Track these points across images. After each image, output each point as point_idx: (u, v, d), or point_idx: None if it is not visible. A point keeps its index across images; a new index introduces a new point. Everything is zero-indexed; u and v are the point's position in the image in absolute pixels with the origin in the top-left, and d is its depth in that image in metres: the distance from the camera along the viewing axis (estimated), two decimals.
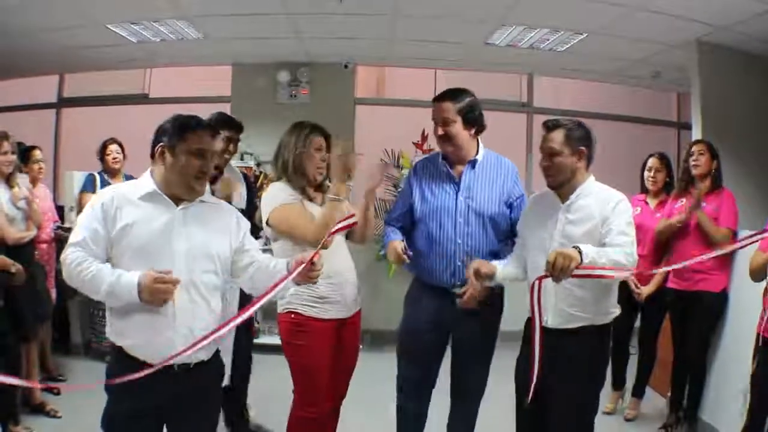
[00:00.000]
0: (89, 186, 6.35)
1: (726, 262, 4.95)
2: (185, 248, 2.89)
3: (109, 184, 6.25)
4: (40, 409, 5.25)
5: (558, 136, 3.39)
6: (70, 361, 6.60)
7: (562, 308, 3.36)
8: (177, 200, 2.94)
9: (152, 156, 2.97)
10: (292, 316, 3.68)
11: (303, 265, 2.91)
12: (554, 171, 3.41)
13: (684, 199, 5.16)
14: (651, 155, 5.64)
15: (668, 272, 5.24)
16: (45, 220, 5.50)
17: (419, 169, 4.13)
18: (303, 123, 3.85)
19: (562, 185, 3.43)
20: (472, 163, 3.97)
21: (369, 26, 6.56)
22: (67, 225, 6.35)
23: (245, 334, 4.87)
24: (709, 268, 4.94)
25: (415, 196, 4.05)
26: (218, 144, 4.28)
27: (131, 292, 2.75)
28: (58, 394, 5.61)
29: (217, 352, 3.11)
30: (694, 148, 5.20)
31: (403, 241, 3.88)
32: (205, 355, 2.97)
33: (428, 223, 3.96)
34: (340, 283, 3.73)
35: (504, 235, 3.97)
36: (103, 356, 6.54)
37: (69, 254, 2.82)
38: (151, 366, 2.77)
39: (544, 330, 3.23)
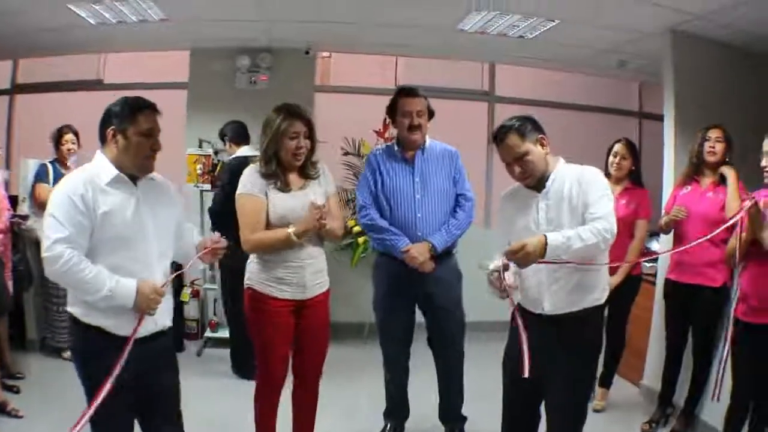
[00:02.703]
0: (42, 176, 6.20)
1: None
2: (154, 225, 3.15)
3: (62, 173, 6.11)
4: (1, 409, 5.08)
5: (514, 139, 3.33)
6: (25, 357, 6.39)
7: (558, 294, 3.34)
8: (132, 179, 3.13)
9: (102, 139, 3.13)
10: (251, 292, 3.99)
11: (204, 251, 3.37)
12: (531, 171, 3.36)
13: (689, 186, 5.04)
14: (618, 141, 5.52)
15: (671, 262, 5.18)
16: (1, 209, 5.35)
17: (377, 155, 4.80)
18: (281, 107, 3.98)
19: (540, 178, 3.39)
20: (422, 149, 4.71)
21: (334, 10, 6.42)
22: (22, 213, 6.17)
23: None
24: (709, 261, 4.78)
25: (377, 179, 4.70)
26: None
27: (127, 298, 2.99)
28: (18, 392, 5.50)
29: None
30: (712, 134, 4.93)
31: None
32: (169, 320, 3.31)
33: (390, 200, 4.66)
34: (297, 266, 3.94)
35: (452, 207, 4.71)
36: (59, 352, 6.40)
37: (60, 251, 2.89)
38: (125, 340, 3.01)
39: (541, 317, 3.38)
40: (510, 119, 3.42)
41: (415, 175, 4.66)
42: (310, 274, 3.98)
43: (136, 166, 3.10)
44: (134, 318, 3.04)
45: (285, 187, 3.92)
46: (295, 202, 3.90)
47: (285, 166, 3.93)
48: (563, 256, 3.13)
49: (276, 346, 3.99)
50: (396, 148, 4.75)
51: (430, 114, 4.71)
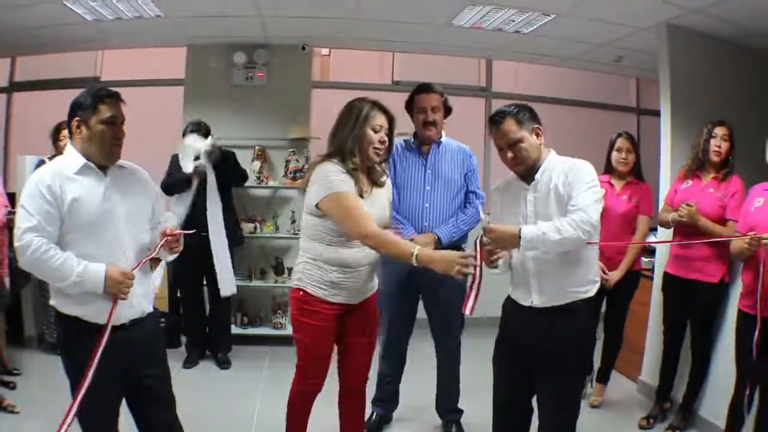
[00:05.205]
0: None
1: (725, 251, 4.67)
2: (125, 213, 3.19)
3: None
4: None
5: (510, 124, 3.33)
6: (22, 354, 6.42)
7: (546, 287, 3.36)
8: (101, 169, 3.17)
9: (69, 131, 3.19)
10: (301, 293, 3.78)
11: (162, 242, 3.29)
12: (523, 158, 3.35)
13: (690, 181, 5.00)
14: (619, 135, 5.49)
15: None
16: None
17: (396, 147, 4.73)
18: (365, 99, 3.86)
19: (531, 167, 3.39)
20: (438, 144, 4.85)
21: (329, 6, 6.41)
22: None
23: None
24: (707, 256, 4.79)
25: (391, 168, 4.73)
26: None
27: (97, 282, 3.02)
28: (14, 388, 5.52)
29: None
30: (718, 131, 4.87)
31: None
32: (149, 306, 3.37)
33: (400, 190, 4.77)
34: (353, 272, 3.77)
35: (461, 202, 4.86)
36: (56, 348, 6.39)
37: (29, 240, 2.95)
38: (104, 328, 3.05)
39: (531, 310, 3.41)
40: (509, 105, 3.42)
41: (427, 167, 4.81)
42: (366, 278, 3.85)
43: (101, 155, 3.14)
44: (125, 304, 3.11)
45: (362, 192, 3.67)
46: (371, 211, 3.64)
47: (360, 163, 3.69)
48: (541, 248, 3.18)
49: (321, 350, 3.84)
50: (413, 141, 4.90)
51: (448, 110, 4.88)
